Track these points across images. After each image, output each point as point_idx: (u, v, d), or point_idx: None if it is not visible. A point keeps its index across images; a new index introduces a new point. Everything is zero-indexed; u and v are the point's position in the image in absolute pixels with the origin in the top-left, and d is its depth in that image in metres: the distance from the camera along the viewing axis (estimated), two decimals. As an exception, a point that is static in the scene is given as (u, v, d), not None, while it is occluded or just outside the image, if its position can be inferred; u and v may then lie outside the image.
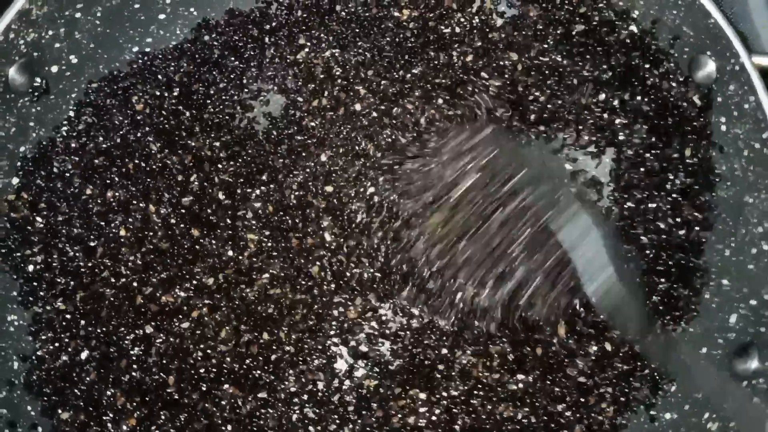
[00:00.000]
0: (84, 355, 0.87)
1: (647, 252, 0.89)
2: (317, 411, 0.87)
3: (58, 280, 0.90)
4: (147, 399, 0.86)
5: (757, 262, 0.84)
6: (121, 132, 0.93)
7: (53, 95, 0.94)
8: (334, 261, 0.90)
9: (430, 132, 0.93)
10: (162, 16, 0.99)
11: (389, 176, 0.92)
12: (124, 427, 0.86)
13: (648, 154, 0.92)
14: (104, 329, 0.88)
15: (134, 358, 0.87)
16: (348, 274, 0.90)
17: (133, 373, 0.87)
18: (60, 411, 0.87)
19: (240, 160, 0.94)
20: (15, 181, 0.92)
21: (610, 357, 0.88)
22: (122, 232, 0.90)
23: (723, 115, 0.89)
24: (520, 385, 0.87)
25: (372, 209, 0.92)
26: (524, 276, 0.86)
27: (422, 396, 0.87)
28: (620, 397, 0.88)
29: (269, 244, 0.91)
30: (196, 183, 0.92)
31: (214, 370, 0.87)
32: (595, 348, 0.88)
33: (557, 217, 0.87)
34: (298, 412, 0.87)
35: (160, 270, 0.89)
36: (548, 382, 0.87)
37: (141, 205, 0.91)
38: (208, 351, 0.87)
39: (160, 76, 0.96)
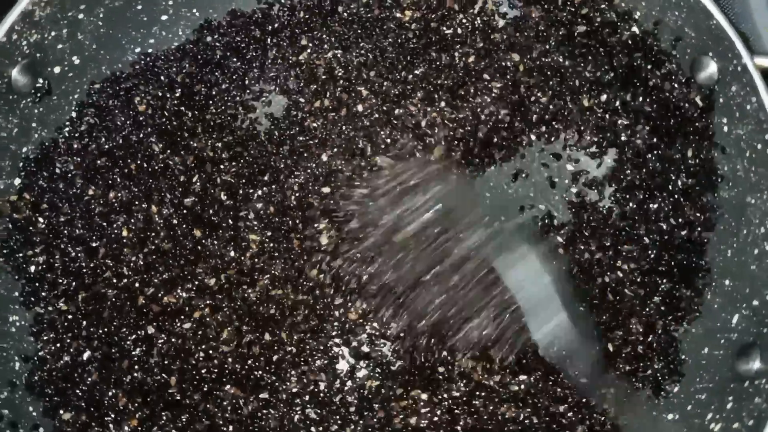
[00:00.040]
0: (86, 355, 0.87)
1: (649, 252, 0.89)
2: (319, 412, 0.87)
3: (60, 281, 0.90)
4: (149, 399, 0.86)
5: (759, 262, 0.84)
6: (123, 133, 0.93)
7: (56, 96, 0.94)
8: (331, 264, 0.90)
9: (373, 170, 0.91)
10: (164, 17, 0.99)
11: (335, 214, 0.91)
12: (126, 428, 0.85)
13: (650, 155, 0.92)
14: (106, 330, 0.88)
15: (136, 358, 0.87)
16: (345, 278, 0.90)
17: (135, 374, 0.87)
18: (62, 412, 0.87)
19: (242, 161, 0.94)
20: (17, 181, 0.92)
21: (613, 357, 0.88)
22: (124, 233, 0.90)
23: (725, 116, 0.89)
24: (522, 386, 0.87)
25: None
26: (469, 317, 0.85)
27: (424, 397, 0.87)
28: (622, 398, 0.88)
29: (271, 245, 0.91)
30: (198, 183, 0.92)
31: (216, 370, 0.87)
32: (597, 348, 0.88)
33: (504, 257, 0.85)
34: (299, 412, 0.87)
35: (162, 270, 0.89)
36: (550, 383, 0.87)
37: (143, 205, 0.91)
38: (210, 351, 0.87)
39: (162, 77, 0.96)
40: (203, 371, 0.87)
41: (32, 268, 0.90)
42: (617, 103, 0.93)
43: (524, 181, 0.96)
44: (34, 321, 0.90)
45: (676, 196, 0.90)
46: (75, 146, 0.93)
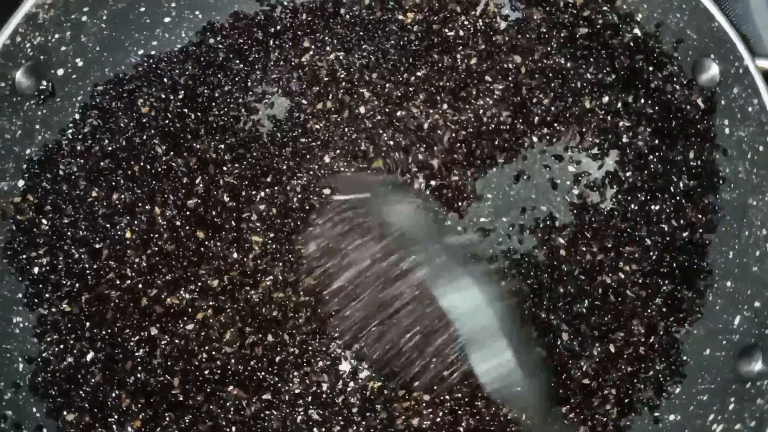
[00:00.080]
0: (89, 356, 0.88)
1: (651, 254, 0.90)
2: (321, 413, 0.87)
3: (64, 282, 0.90)
4: (152, 400, 0.86)
5: (761, 264, 0.84)
6: (126, 135, 0.93)
7: (59, 98, 0.94)
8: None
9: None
10: (167, 20, 0.99)
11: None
12: (129, 429, 0.86)
13: (651, 157, 0.92)
14: (109, 331, 0.88)
15: (139, 359, 0.87)
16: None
17: (138, 375, 0.87)
18: (65, 412, 0.87)
19: (244, 163, 0.94)
20: (21, 183, 0.92)
21: (614, 358, 0.88)
22: (127, 234, 0.90)
23: (727, 118, 0.89)
24: (524, 387, 0.87)
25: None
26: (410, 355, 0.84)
27: (426, 398, 0.87)
28: (624, 399, 0.88)
29: (273, 247, 0.91)
30: (201, 185, 0.92)
31: (219, 371, 0.87)
32: (599, 349, 0.88)
33: (445, 288, 0.82)
34: (302, 413, 0.87)
35: (165, 272, 0.90)
36: (552, 384, 0.87)
37: (146, 207, 0.91)
38: (213, 353, 0.88)
39: (165, 79, 0.96)
40: (206, 372, 0.87)
41: (36, 270, 0.90)
42: (619, 104, 0.93)
43: (526, 183, 0.97)
44: (38, 322, 0.90)
45: (677, 198, 0.90)
46: (78, 148, 0.93)
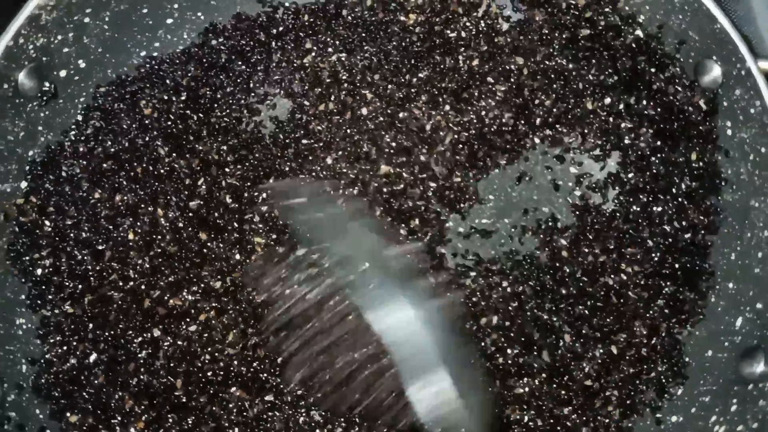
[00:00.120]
0: (92, 358, 0.88)
1: (653, 255, 0.90)
2: (324, 414, 0.87)
3: (67, 284, 0.90)
4: (155, 402, 0.87)
5: (763, 265, 0.85)
6: (129, 136, 0.94)
7: (62, 99, 0.94)
8: None
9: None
10: (169, 21, 0.99)
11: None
12: (132, 430, 0.86)
13: (653, 158, 0.92)
14: (112, 332, 0.88)
15: (142, 361, 0.87)
16: None
17: (141, 376, 0.87)
18: (68, 414, 0.87)
19: (247, 164, 0.95)
20: (24, 185, 0.92)
21: (617, 360, 0.88)
22: (130, 236, 0.90)
23: (729, 120, 0.89)
24: (526, 389, 0.87)
25: None
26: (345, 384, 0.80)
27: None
28: (626, 400, 0.88)
29: (276, 248, 0.91)
30: (204, 187, 0.93)
31: (222, 373, 0.87)
32: (601, 351, 0.88)
33: (378, 312, 0.78)
34: (304, 414, 0.87)
35: (168, 273, 0.90)
36: (554, 386, 0.87)
37: (149, 208, 0.91)
38: (216, 354, 0.88)
39: (167, 81, 0.97)
40: (209, 374, 0.87)
41: (39, 271, 0.90)
42: (621, 106, 0.93)
43: (528, 184, 0.97)
44: (41, 324, 0.90)
45: (679, 200, 0.90)
46: (81, 149, 0.93)
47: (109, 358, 0.88)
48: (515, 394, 0.87)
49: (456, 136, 0.94)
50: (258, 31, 0.99)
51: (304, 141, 0.95)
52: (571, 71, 0.94)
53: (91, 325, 0.89)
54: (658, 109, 0.92)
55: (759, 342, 0.83)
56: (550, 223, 0.95)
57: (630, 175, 0.93)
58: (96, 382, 0.87)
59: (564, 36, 0.95)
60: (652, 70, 0.92)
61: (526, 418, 0.87)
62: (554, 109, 0.94)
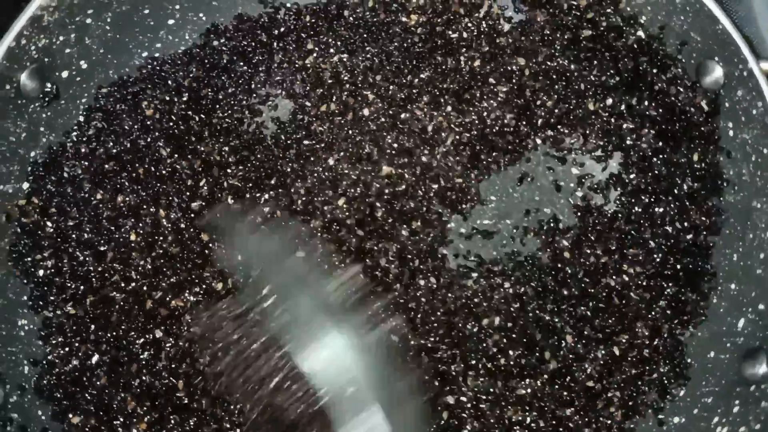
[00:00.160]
0: (94, 359, 0.88)
1: (655, 256, 0.90)
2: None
3: (69, 285, 0.90)
4: (157, 403, 0.87)
5: (765, 266, 0.85)
6: (130, 137, 0.94)
7: (63, 100, 0.94)
8: None
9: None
10: (171, 22, 0.99)
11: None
12: (135, 431, 0.86)
13: (655, 159, 0.92)
14: (114, 333, 0.88)
15: (144, 362, 0.87)
16: None
17: (143, 378, 0.87)
18: (70, 415, 0.87)
19: (249, 165, 0.95)
20: (25, 186, 0.92)
21: (619, 361, 0.88)
22: (132, 237, 0.90)
23: (731, 121, 0.89)
24: (528, 390, 0.87)
25: None
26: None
27: (429, 399, 0.87)
28: (629, 402, 0.88)
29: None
30: (206, 188, 0.93)
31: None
32: (603, 352, 0.88)
33: (306, 351, 0.75)
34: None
35: (170, 274, 0.90)
36: (556, 386, 0.87)
37: (151, 209, 0.91)
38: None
39: (169, 81, 0.96)
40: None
41: (41, 272, 0.90)
42: (623, 107, 0.93)
43: (530, 185, 0.97)
44: (43, 325, 0.90)
45: (681, 200, 0.90)
46: (83, 150, 0.93)
47: (111, 359, 0.88)
48: (517, 395, 0.87)
49: (458, 137, 0.94)
50: (259, 32, 0.99)
51: (306, 142, 0.95)
52: (573, 72, 0.94)
53: (93, 326, 0.89)
54: (660, 110, 0.92)
55: (761, 343, 0.83)
56: (551, 224, 0.95)
57: (632, 176, 0.93)
58: (98, 383, 0.87)
59: (566, 37, 0.95)
60: (654, 71, 0.92)
61: (528, 419, 0.87)
62: (556, 110, 0.94)
